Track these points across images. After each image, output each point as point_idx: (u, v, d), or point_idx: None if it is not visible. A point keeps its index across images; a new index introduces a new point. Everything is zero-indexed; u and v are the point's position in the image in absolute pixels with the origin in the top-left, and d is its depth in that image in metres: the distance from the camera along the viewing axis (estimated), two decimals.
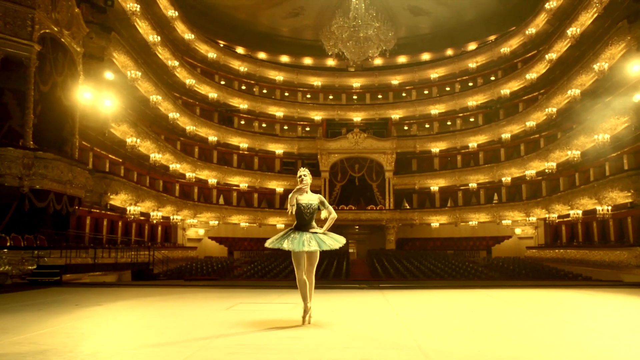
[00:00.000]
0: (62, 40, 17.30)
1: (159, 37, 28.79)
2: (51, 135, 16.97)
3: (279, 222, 39.44)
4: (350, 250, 39.90)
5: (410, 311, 7.21)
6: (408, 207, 41.28)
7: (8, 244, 14.80)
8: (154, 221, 27.66)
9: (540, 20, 34.00)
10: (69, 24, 17.68)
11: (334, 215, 5.57)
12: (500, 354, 4.11)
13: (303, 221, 5.50)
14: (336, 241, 5.48)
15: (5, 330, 5.29)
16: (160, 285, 14.90)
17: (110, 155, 25.63)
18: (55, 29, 16.83)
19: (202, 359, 3.98)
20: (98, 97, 20.41)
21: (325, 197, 40.55)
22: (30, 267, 14.28)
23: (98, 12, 20.38)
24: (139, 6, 25.42)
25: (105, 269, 17.51)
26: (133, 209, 23.18)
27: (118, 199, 22.43)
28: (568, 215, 28.09)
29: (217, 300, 8.65)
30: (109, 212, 24.49)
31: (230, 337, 4.94)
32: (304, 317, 5.56)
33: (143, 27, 27.07)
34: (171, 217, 30.01)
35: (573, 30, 27.68)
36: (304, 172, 5.60)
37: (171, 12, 32.05)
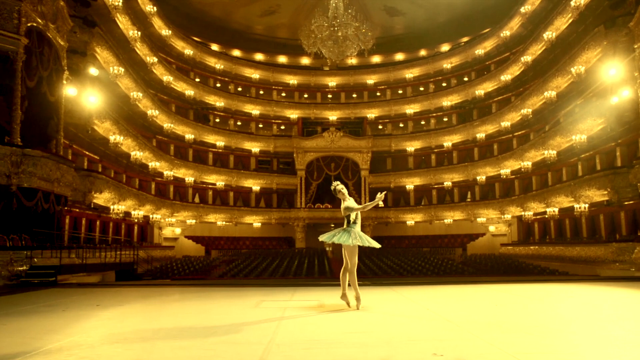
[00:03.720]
0: (48, 34, 16.80)
1: (138, 33, 28.24)
2: (36, 131, 16.48)
3: (255, 220, 39.30)
4: (327, 249, 40.00)
5: (438, 306, 7.32)
6: (383, 205, 41.66)
7: None
8: (136, 220, 27.14)
9: (515, 24, 34.96)
10: (54, 17, 17.19)
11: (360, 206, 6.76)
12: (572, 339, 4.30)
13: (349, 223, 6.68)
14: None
15: (54, 331, 5.17)
16: (154, 285, 14.70)
17: (88, 153, 24.98)
18: (41, 22, 16.34)
19: (280, 356, 3.92)
20: (81, 93, 19.89)
21: (301, 195, 40.68)
22: (20, 268, 13.83)
23: (82, 5, 19.85)
24: (120, 0, 24.86)
25: (94, 269, 17.10)
26: (117, 208, 22.68)
27: (102, 198, 21.93)
28: (543, 213, 28.97)
29: (235, 299, 8.53)
30: (87, 212, 23.88)
31: (292, 334, 4.94)
32: (358, 304, 6.60)
33: (123, 22, 26.50)
34: (150, 216, 29.50)
35: (549, 34, 28.58)
36: (332, 187, 6.85)
37: (149, 8, 31.47)
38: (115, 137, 23.92)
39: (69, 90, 18.40)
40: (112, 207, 22.96)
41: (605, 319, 5.93)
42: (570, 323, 5.56)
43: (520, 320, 5.73)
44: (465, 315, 6.19)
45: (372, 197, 40.82)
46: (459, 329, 5.09)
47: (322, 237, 6.67)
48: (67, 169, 17.03)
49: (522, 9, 33.04)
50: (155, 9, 32.23)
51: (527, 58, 32.20)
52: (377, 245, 6.75)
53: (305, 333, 4.99)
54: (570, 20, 26.72)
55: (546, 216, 28.37)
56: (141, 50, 29.71)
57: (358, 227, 6.67)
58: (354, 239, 6.44)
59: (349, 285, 6.68)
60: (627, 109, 20.15)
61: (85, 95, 20.03)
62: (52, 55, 17.21)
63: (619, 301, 7.87)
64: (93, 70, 21.16)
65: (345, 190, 6.78)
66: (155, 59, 31.93)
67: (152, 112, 31.17)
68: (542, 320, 5.76)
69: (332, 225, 42.57)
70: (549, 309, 6.93)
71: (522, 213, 31.30)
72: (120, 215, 23.70)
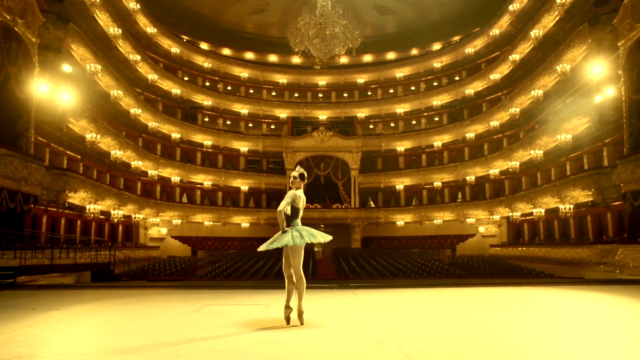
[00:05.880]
0: (16, 29, 16.40)
1: (119, 30, 27.81)
2: (3, 129, 16.05)
3: (243, 220, 38.93)
4: (315, 249, 39.64)
5: (386, 312, 7.02)
6: (373, 205, 41.36)
7: None
8: (115, 220, 26.70)
9: (504, 22, 34.61)
10: (22, 12, 16.79)
11: (279, 209, 5.40)
12: (484, 356, 3.94)
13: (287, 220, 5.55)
14: (315, 237, 5.45)
15: None
16: (122, 286, 14.30)
17: (68, 152, 24.54)
18: (8, 17, 15.95)
19: None
20: (55, 91, 19.45)
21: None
22: None
23: (55, 0, 19.40)
24: None
25: (63, 270, 16.69)
26: (93, 208, 22.25)
27: (77, 197, 21.51)
28: (531, 214, 28.58)
29: (184, 303, 8.29)
30: (67, 211, 23.47)
31: (201, 343, 4.69)
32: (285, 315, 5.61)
33: (103, 19, 26.08)
34: (133, 216, 29.07)
35: (536, 32, 28.24)
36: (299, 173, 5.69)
37: (133, 5, 31.05)
38: (92, 136, 23.46)
39: (40, 88, 17.96)
40: (88, 206, 22.52)
41: (545, 338, 5.57)
42: (504, 340, 5.18)
43: (460, 333, 5.35)
44: (406, 324, 5.83)
45: (362, 198, 40.77)
46: (389, 340, 4.72)
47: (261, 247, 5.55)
48: (36, 168, 16.65)
49: (511, 7, 32.70)
50: (138, 6, 31.82)
51: (516, 57, 31.87)
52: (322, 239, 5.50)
53: (217, 342, 4.67)
54: (557, 18, 26.36)
55: (534, 217, 27.99)
56: (124, 47, 29.29)
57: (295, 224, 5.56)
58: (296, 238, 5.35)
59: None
60: (611, 107, 19.78)
61: (59, 93, 19.58)
62: (21, 51, 16.80)
63: (582, 313, 7.52)
64: (67, 67, 20.71)
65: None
66: (139, 57, 31.51)
67: (135, 110, 30.76)
68: (478, 334, 5.41)
69: (322, 226, 42.20)
70: (497, 319, 6.57)
71: (510, 214, 30.93)
72: (97, 214, 23.24)
